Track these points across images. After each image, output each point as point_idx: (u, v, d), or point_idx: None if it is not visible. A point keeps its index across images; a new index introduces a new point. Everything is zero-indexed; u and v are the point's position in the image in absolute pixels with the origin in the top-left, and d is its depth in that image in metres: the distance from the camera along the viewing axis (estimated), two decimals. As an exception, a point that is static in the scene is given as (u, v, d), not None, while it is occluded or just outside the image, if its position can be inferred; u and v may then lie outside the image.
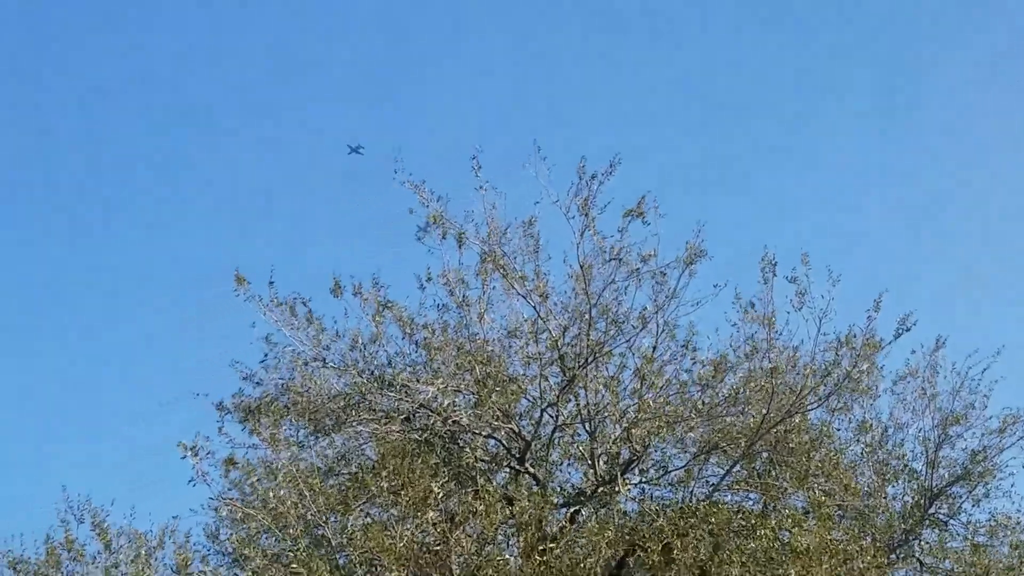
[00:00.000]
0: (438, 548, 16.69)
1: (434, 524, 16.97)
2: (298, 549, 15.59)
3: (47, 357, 53.03)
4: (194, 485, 16.01)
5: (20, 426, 45.06)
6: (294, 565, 15.61)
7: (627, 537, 18.53)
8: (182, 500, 19.73)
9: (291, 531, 15.89)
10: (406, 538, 16.37)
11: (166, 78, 62.71)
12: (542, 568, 17.17)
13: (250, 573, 16.30)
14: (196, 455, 15.68)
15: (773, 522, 18.42)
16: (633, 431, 19.55)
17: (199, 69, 62.26)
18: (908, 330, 20.52)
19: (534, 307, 20.02)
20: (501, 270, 19.97)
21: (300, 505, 15.80)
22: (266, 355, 19.84)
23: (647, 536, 18.26)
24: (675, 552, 17.91)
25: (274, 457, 16.68)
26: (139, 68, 61.49)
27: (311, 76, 63.03)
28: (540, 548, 17.47)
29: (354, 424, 19.49)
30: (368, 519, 16.71)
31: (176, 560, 16.58)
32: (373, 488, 17.04)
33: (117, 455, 45.78)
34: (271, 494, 16.15)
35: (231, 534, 16.88)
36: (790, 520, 18.38)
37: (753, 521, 18.52)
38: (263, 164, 59.83)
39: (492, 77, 62.00)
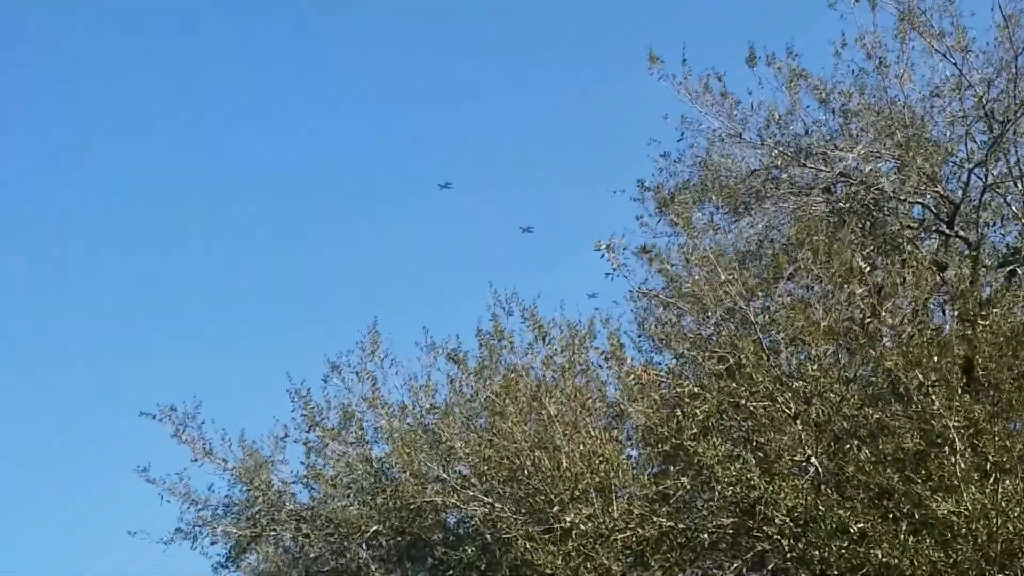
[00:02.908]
0: (866, 322, 16.41)
1: (860, 297, 16.68)
2: (720, 332, 15.76)
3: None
4: (612, 279, 16.37)
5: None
6: (719, 348, 15.83)
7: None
8: (607, 294, 20.25)
9: (712, 316, 16.08)
10: (831, 314, 16.19)
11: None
12: (981, 335, 16.55)
13: (676, 358, 16.67)
14: (611, 251, 15.98)
15: None
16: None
17: None
18: None
19: (955, 64, 19.00)
20: (918, 28, 19.02)
21: (719, 289, 15.89)
22: (683, 134, 20.17)
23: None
24: None
25: (691, 244, 16.76)
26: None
27: None
28: (977, 313, 16.84)
29: (772, 200, 19.40)
30: (791, 297, 16.57)
31: (608, 347, 16.97)
32: (796, 264, 16.92)
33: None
34: (690, 281, 16.35)
35: (654, 322, 17.22)
36: None
37: None
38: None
39: None
